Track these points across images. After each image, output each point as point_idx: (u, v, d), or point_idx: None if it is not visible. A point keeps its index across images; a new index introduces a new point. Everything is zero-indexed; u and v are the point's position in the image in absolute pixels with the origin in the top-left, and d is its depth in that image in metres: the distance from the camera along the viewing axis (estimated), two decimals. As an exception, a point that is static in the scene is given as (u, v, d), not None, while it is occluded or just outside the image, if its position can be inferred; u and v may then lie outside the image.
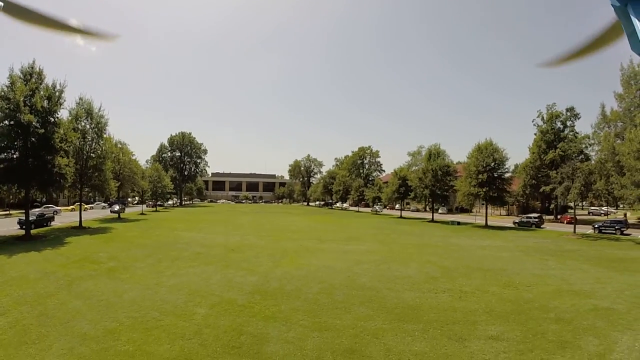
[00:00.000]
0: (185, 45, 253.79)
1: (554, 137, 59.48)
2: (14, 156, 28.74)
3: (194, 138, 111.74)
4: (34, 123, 28.18)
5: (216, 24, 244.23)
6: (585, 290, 15.53)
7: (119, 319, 11.23)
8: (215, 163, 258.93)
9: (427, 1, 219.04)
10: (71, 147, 33.71)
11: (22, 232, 29.78)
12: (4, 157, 28.42)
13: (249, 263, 20.34)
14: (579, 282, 17.16)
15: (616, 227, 39.49)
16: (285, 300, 13.39)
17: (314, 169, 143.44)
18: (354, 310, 12.55)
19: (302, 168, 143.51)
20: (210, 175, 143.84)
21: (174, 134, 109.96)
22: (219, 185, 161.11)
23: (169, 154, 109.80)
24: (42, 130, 28.71)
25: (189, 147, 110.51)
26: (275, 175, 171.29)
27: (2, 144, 27.75)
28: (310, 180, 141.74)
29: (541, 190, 54.53)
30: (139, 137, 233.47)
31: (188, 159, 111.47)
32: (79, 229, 35.58)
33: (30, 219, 31.28)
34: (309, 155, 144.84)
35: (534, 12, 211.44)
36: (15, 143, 28.24)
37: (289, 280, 16.56)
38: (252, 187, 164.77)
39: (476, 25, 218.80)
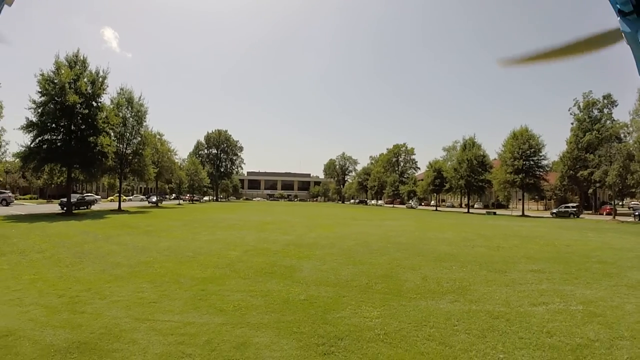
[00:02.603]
0: (222, 45, 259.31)
1: (591, 125, 55.87)
2: (58, 137, 29.77)
3: (230, 135, 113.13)
4: (78, 104, 29.15)
5: (253, 23, 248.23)
6: (627, 247, 15.05)
7: (153, 255, 11.13)
8: (252, 163, 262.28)
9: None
10: (112, 130, 34.73)
11: (63, 211, 30.68)
12: (48, 138, 29.49)
13: (283, 230, 20.07)
14: (620, 244, 16.49)
15: None
16: (319, 249, 12.96)
17: (348, 166, 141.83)
18: (390, 254, 12.05)
19: (336, 166, 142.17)
20: (245, 174, 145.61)
21: (210, 131, 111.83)
22: (254, 184, 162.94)
23: (206, 151, 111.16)
24: (86, 111, 29.71)
25: (225, 144, 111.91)
26: (310, 174, 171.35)
27: (48, 125, 28.84)
28: (345, 179, 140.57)
29: (579, 174, 51.70)
30: (174, 138, 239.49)
31: (224, 156, 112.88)
32: (119, 211, 36.53)
33: (72, 201, 32.23)
34: (343, 154, 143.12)
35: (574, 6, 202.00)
36: (60, 123, 29.25)
37: (323, 238, 16.14)
38: (287, 186, 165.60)
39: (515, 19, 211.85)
